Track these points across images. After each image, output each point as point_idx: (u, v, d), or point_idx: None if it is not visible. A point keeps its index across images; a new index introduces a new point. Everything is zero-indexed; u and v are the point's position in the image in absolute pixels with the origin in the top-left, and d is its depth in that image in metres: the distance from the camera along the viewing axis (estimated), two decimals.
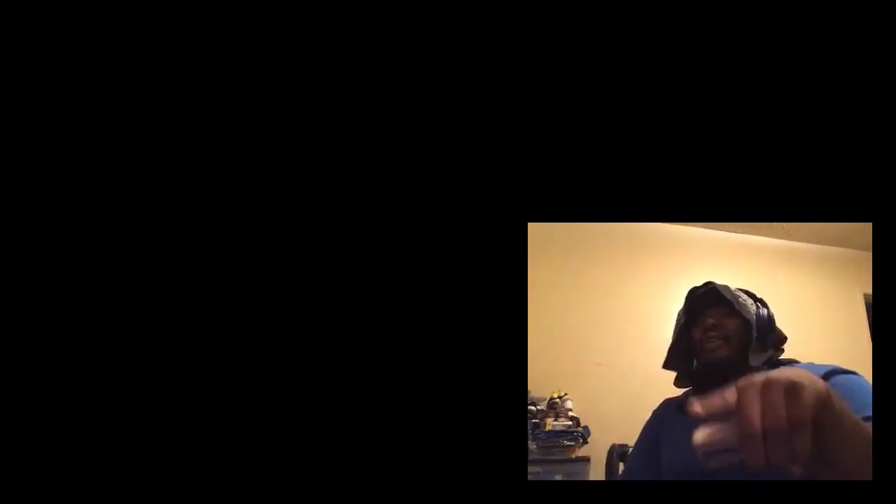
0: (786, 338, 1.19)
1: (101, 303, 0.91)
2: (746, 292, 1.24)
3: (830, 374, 0.94)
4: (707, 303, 1.20)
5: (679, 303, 1.26)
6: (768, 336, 1.15)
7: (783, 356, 1.18)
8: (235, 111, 0.96)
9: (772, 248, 3.49)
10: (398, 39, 0.97)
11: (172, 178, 0.94)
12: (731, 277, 1.34)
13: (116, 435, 0.90)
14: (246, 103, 0.96)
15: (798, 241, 3.48)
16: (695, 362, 1.22)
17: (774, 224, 3.30)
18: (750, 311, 1.16)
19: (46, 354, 0.90)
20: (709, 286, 1.22)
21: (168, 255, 0.93)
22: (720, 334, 1.14)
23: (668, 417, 1.21)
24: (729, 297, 1.17)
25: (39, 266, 0.91)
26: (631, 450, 1.32)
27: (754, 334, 1.13)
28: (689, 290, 1.25)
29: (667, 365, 1.26)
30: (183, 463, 0.90)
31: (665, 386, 1.28)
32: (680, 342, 1.24)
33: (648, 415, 1.28)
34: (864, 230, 3.12)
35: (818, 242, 3.55)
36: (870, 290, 1.76)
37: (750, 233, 3.46)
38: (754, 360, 1.10)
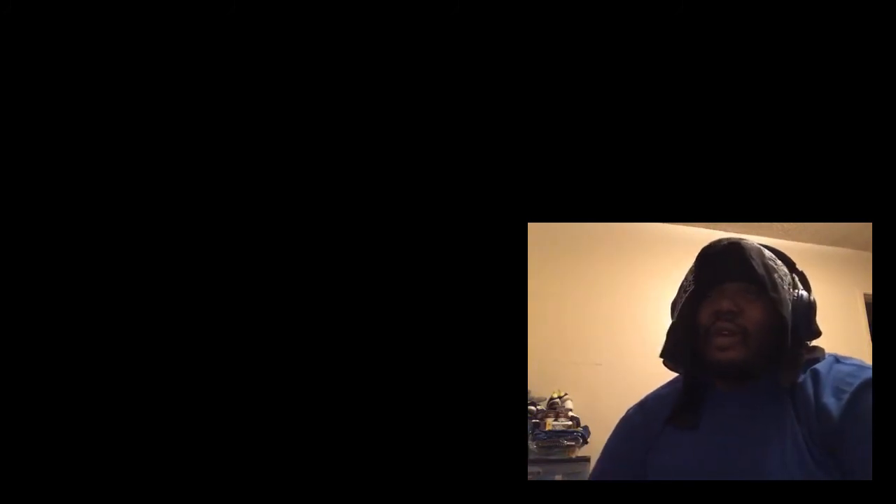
0: (820, 332, 0.88)
1: (102, 303, 0.91)
2: (780, 255, 0.89)
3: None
4: (726, 270, 0.86)
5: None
6: (804, 334, 0.85)
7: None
8: (235, 112, 0.96)
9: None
10: (399, 40, 0.97)
11: (172, 178, 0.94)
12: None
13: (116, 434, 0.90)
14: (245, 104, 0.96)
15: (798, 241, 3.48)
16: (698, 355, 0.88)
17: (774, 224, 3.30)
18: (786, 300, 0.82)
19: (46, 354, 0.90)
20: (732, 243, 0.85)
21: (168, 256, 0.93)
22: (736, 327, 0.82)
23: (654, 428, 0.96)
24: (760, 269, 0.82)
25: (40, 266, 0.91)
26: (602, 453, 1.08)
27: (788, 339, 0.81)
28: (702, 248, 0.90)
29: (665, 353, 0.93)
30: (183, 463, 0.90)
31: None
32: (683, 323, 0.90)
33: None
34: (864, 230, 3.12)
35: (818, 242, 3.54)
36: (870, 290, 1.76)
37: (750, 233, 3.46)
38: (787, 377, 0.79)
